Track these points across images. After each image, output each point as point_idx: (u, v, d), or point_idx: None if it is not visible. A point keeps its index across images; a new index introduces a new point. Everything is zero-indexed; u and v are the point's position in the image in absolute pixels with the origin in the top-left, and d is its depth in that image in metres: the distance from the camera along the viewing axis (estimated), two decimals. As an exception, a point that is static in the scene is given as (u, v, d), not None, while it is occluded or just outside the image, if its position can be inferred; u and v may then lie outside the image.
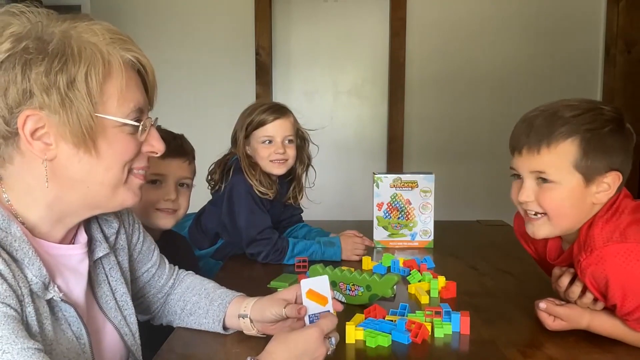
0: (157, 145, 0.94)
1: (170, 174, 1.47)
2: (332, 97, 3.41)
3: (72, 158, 0.84)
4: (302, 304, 1.00)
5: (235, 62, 3.31)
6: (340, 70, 3.40)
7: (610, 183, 1.05)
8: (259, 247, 1.67)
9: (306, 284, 1.00)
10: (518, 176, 1.12)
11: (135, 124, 0.88)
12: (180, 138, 1.54)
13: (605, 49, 3.30)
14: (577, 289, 1.09)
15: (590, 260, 1.01)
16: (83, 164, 0.85)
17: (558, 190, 1.05)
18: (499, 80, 3.32)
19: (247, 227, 1.69)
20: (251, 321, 1.08)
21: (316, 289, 0.99)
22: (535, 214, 1.09)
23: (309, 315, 1.00)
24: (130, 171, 0.91)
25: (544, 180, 1.06)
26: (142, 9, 3.28)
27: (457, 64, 3.31)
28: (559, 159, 1.04)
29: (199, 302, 1.16)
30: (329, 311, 0.98)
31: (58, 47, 0.81)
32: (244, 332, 1.10)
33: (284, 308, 1.02)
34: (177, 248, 1.56)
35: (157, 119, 0.98)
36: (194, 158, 1.55)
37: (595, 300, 1.07)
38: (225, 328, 1.12)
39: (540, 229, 1.11)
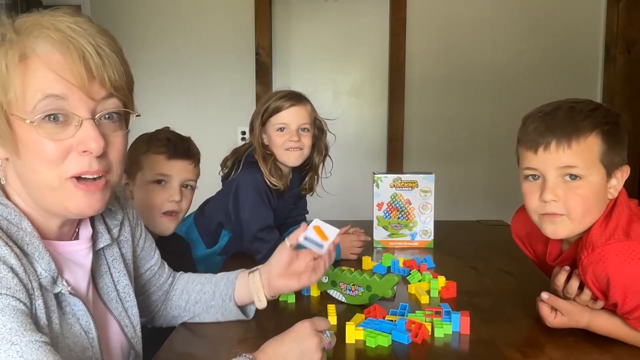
0: (87, 142, 0.79)
1: (175, 174, 1.48)
2: (332, 97, 3.41)
3: (10, 161, 0.82)
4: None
5: (235, 62, 3.31)
6: (340, 70, 3.39)
7: (620, 177, 1.05)
8: (257, 247, 1.67)
9: (318, 222, 1.09)
10: (534, 177, 1.08)
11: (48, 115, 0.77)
12: (188, 141, 1.56)
13: (605, 49, 3.30)
14: (575, 283, 1.08)
15: (592, 259, 1.01)
16: (17, 166, 0.82)
17: (586, 186, 1.03)
18: (499, 80, 3.32)
19: (250, 221, 1.69)
20: (260, 275, 1.14)
21: (324, 230, 1.08)
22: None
23: (304, 237, 1.08)
24: (73, 177, 0.80)
25: (572, 176, 1.03)
26: (141, 9, 3.28)
27: (457, 63, 3.31)
28: (588, 152, 1.02)
29: (202, 288, 1.18)
30: (322, 246, 1.07)
31: None
32: (253, 295, 1.14)
33: (288, 241, 1.12)
34: (176, 249, 1.57)
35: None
36: (199, 161, 1.56)
37: (595, 299, 1.07)
38: (236, 305, 1.16)
39: (561, 227, 1.06)
